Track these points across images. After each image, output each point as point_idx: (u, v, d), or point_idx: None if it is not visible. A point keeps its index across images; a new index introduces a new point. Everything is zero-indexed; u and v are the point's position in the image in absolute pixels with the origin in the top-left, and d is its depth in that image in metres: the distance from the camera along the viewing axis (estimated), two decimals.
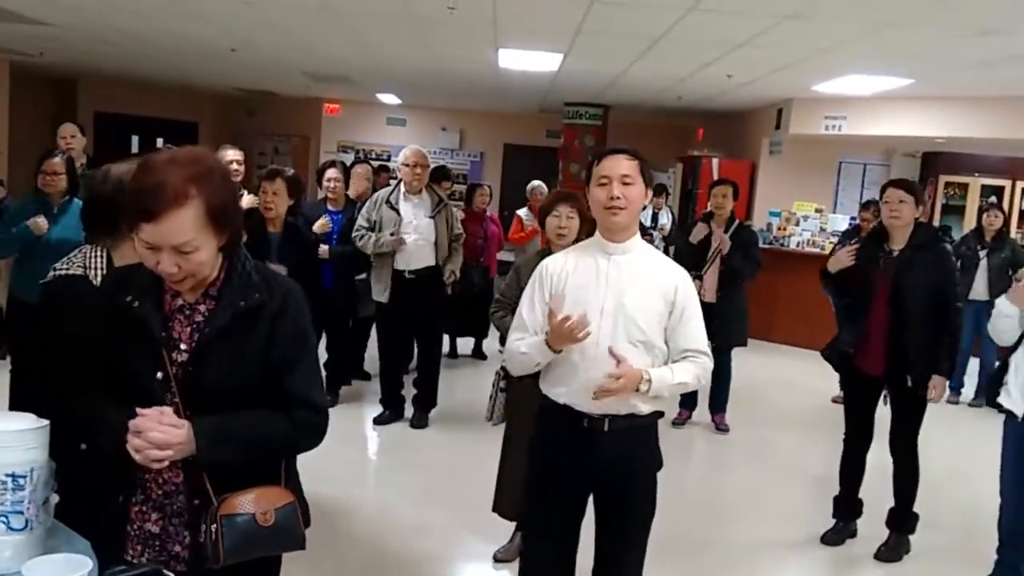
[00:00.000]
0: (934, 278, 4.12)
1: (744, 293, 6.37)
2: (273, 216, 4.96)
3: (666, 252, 6.94)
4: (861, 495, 4.54)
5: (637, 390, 2.52)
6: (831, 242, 9.54)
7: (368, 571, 4.00)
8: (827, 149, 10.91)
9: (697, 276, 6.16)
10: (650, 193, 2.74)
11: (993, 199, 9.94)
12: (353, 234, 5.80)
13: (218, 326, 1.89)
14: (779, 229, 10.49)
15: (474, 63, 9.09)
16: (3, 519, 1.74)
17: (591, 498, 2.78)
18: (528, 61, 8.57)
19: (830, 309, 6.48)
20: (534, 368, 2.69)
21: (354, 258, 6.15)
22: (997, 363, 6.67)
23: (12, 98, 11.97)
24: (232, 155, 5.54)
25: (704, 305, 6.16)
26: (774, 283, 9.33)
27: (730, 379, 6.47)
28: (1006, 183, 10.78)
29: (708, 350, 2.72)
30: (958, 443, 6.58)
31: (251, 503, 1.87)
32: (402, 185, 5.81)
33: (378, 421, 5.99)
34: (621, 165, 2.62)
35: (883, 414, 4.35)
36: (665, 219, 10.51)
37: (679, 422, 6.52)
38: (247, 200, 5.07)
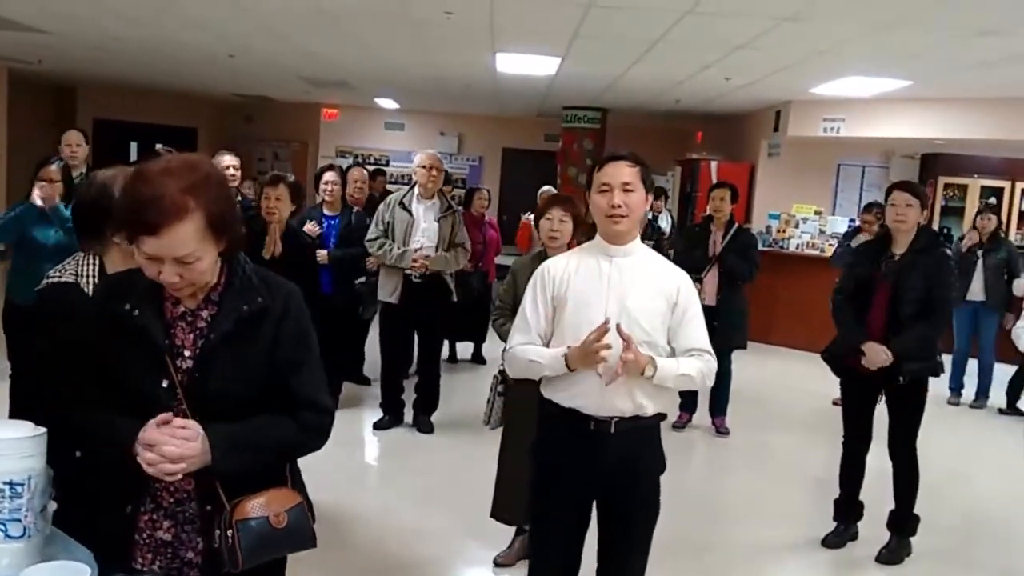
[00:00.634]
0: (932, 282, 4.11)
1: (744, 296, 6.37)
2: (276, 221, 4.94)
3: (665, 256, 6.95)
4: (862, 497, 4.53)
5: (642, 374, 2.51)
6: (830, 244, 9.55)
7: (370, 573, 3.99)
8: (826, 151, 10.91)
9: (697, 279, 6.16)
10: (650, 198, 2.74)
11: (992, 200, 9.94)
12: (368, 239, 5.80)
13: (222, 332, 1.88)
14: (778, 231, 10.49)
15: (472, 67, 9.09)
16: (1, 527, 1.74)
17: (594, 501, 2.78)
18: (526, 65, 8.57)
19: (829, 311, 6.47)
20: (539, 376, 2.67)
21: (354, 262, 6.14)
22: (1016, 368, 6.67)
23: (11, 105, 11.99)
24: (228, 161, 5.53)
25: (704, 308, 6.18)
26: (773, 285, 9.33)
27: (730, 382, 6.46)
28: (1005, 184, 10.79)
29: (711, 350, 2.72)
30: (958, 444, 6.58)
31: (263, 506, 1.88)
32: (416, 188, 5.82)
33: (378, 426, 5.98)
34: (622, 172, 2.62)
35: (883, 416, 4.34)
36: (665, 223, 10.50)
37: (679, 425, 6.51)
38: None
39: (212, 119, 15.34)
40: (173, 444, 1.75)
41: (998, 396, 7.61)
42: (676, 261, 6.24)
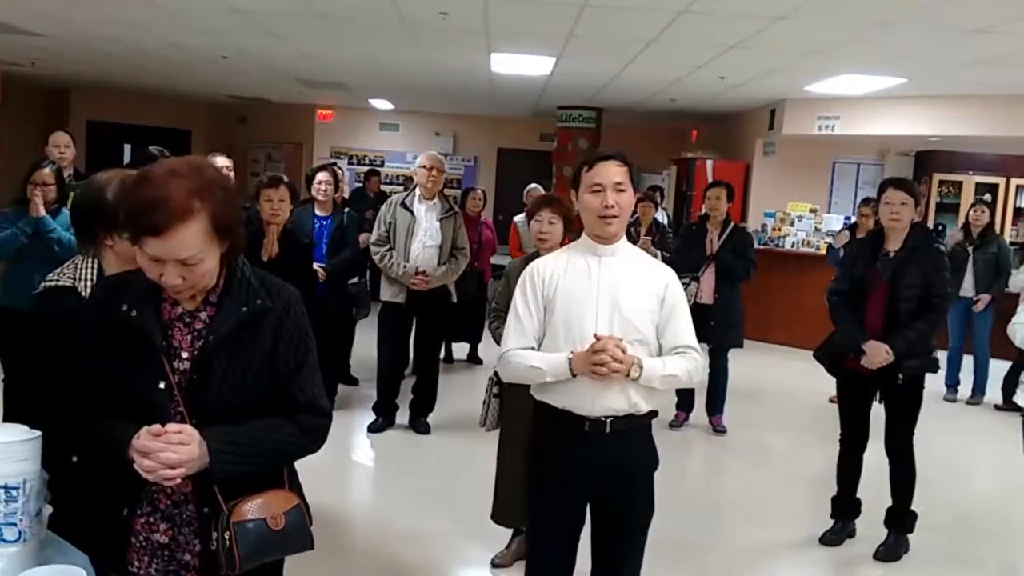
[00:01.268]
0: (927, 279, 4.12)
1: (740, 294, 6.38)
2: (279, 223, 4.93)
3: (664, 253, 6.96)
4: (859, 495, 4.53)
5: (628, 375, 2.51)
6: (826, 242, 9.55)
7: None
8: (821, 149, 10.93)
9: (694, 278, 6.18)
10: (635, 197, 2.75)
11: (987, 196, 9.96)
12: (373, 246, 5.80)
13: (221, 334, 1.87)
14: (774, 230, 10.50)
15: (467, 68, 9.09)
16: None
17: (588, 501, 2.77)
18: (521, 65, 8.57)
19: (825, 310, 6.48)
20: (538, 382, 2.66)
21: (349, 266, 6.15)
22: (1011, 364, 6.68)
23: (4, 108, 11.95)
24: (222, 163, 5.52)
25: (701, 307, 6.29)
26: (770, 284, 9.34)
27: (727, 380, 6.47)
28: (999, 180, 10.81)
29: (698, 346, 2.73)
30: (955, 441, 6.59)
31: (260, 508, 1.87)
32: (417, 188, 5.82)
33: (372, 428, 5.97)
34: (614, 172, 2.63)
35: (879, 413, 4.35)
36: (662, 219, 10.49)
37: (676, 424, 6.51)
38: None
39: (206, 121, 15.30)
40: (171, 450, 1.74)
41: (994, 392, 7.63)
42: (673, 260, 6.32)
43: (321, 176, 6.19)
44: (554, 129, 12.50)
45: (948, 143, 10.34)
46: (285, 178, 5.15)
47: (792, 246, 10.28)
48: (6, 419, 1.86)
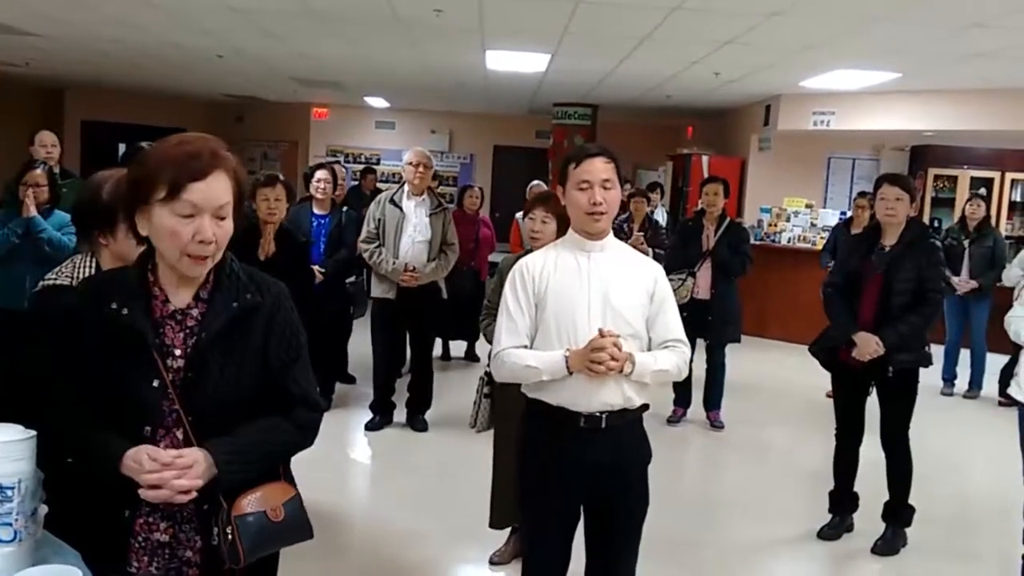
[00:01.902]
0: (921, 274, 4.12)
1: (737, 290, 6.38)
2: (276, 222, 4.92)
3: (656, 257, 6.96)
4: (857, 489, 4.54)
5: (621, 371, 2.52)
6: (822, 237, 9.56)
7: (365, 575, 3.99)
8: (816, 145, 10.94)
9: (691, 274, 6.18)
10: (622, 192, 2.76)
11: (982, 191, 9.97)
12: (362, 243, 5.80)
13: (214, 330, 1.87)
14: (770, 225, 10.50)
15: (462, 65, 9.08)
16: None
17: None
18: (516, 62, 8.57)
19: (821, 304, 6.49)
20: (534, 381, 2.65)
21: (345, 266, 6.14)
22: (1008, 357, 6.68)
23: None
24: None
25: (698, 302, 6.29)
26: (766, 279, 9.35)
27: (724, 375, 6.48)
28: (995, 175, 10.82)
29: (686, 340, 2.74)
30: (952, 435, 6.59)
31: (260, 501, 1.88)
32: (406, 185, 5.82)
33: (370, 427, 5.97)
34: (602, 169, 2.63)
35: (875, 407, 4.35)
36: (660, 217, 10.49)
37: (674, 420, 6.52)
38: None
39: (202, 120, 15.27)
40: (185, 479, 1.76)
41: (991, 387, 7.63)
42: (669, 256, 6.31)
43: (320, 175, 6.18)
44: (550, 126, 12.51)
45: (943, 138, 10.34)
46: (281, 177, 5.15)
47: (788, 241, 10.28)
48: (2, 419, 1.84)
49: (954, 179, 10.95)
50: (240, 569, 1.87)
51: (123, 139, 14.03)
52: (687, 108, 11.58)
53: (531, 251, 3.82)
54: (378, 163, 14.35)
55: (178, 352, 1.87)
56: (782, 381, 8.21)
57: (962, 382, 7.90)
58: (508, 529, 4.07)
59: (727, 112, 11.84)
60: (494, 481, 4.02)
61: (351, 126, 14.92)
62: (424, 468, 5.46)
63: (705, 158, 11.08)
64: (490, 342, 3.34)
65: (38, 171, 4.81)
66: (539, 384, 2.64)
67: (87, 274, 2.25)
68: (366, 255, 5.79)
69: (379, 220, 5.77)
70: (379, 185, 10.26)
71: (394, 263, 5.67)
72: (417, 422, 6.03)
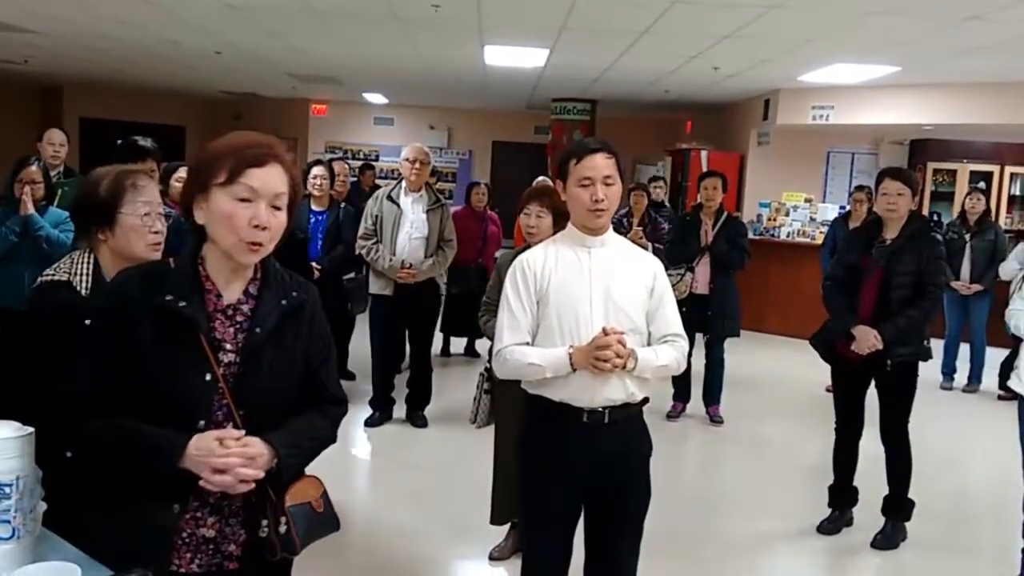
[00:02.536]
0: (922, 268, 4.12)
1: (736, 284, 6.38)
2: None
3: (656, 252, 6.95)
4: (856, 483, 4.54)
5: (624, 367, 2.53)
6: (821, 232, 9.55)
7: (363, 573, 3.99)
8: (815, 139, 10.93)
9: (689, 268, 6.18)
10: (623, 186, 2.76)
11: (981, 185, 9.96)
12: (360, 239, 5.80)
13: (269, 326, 1.91)
14: (769, 220, 10.50)
15: (460, 60, 9.07)
16: None
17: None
18: (514, 57, 8.55)
19: (821, 298, 6.48)
20: (537, 378, 2.64)
21: (343, 262, 6.14)
22: (1009, 351, 6.70)
23: None
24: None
25: (697, 297, 6.29)
26: (765, 274, 9.35)
27: (723, 370, 6.48)
28: (994, 168, 10.81)
29: (684, 333, 2.75)
30: (952, 429, 6.60)
31: (302, 494, 1.95)
32: (404, 181, 5.81)
33: (369, 423, 5.97)
34: (603, 165, 2.62)
35: (875, 401, 4.35)
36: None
37: (673, 415, 6.52)
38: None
39: (200, 117, 15.27)
40: (248, 470, 1.79)
41: (990, 380, 7.63)
42: (669, 251, 6.31)
43: (316, 171, 6.18)
44: (548, 122, 12.50)
45: (942, 131, 10.33)
46: None
47: (787, 236, 10.28)
48: (3, 416, 1.84)
49: (953, 173, 10.94)
50: (277, 561, 1.92)
51: (122, 136, 13.96)
52: (686, 103, 11.57)
53: (528, 247, 3.82)
54: (377, 159, 14.33)
55: (229, 347, 1.88)
56: (781, 376, 8.22)
57: (961, 376, 7.90)
58: (507, 525, 4.07)
59: (726, 107, 11.83)
60: (495, 477, 4.02)
61: (350, 122, 14.90)
62: (423, 464, 5.47)
63: (704, 153, 11.07)
64: (490, 338, 3.33)
65: (33, 167, 4.79)
66: (541, 380, 2.63)
67: (85, 270, 2.25)
68: (363, 251, 5.78)
69: (376, 216, 5.77)
70: (378, 181, 10.25)
71: (391, 259, 5.67)
72: (416, 418, 6.03)
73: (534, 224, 3.88)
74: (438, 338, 7.89)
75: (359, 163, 11.34)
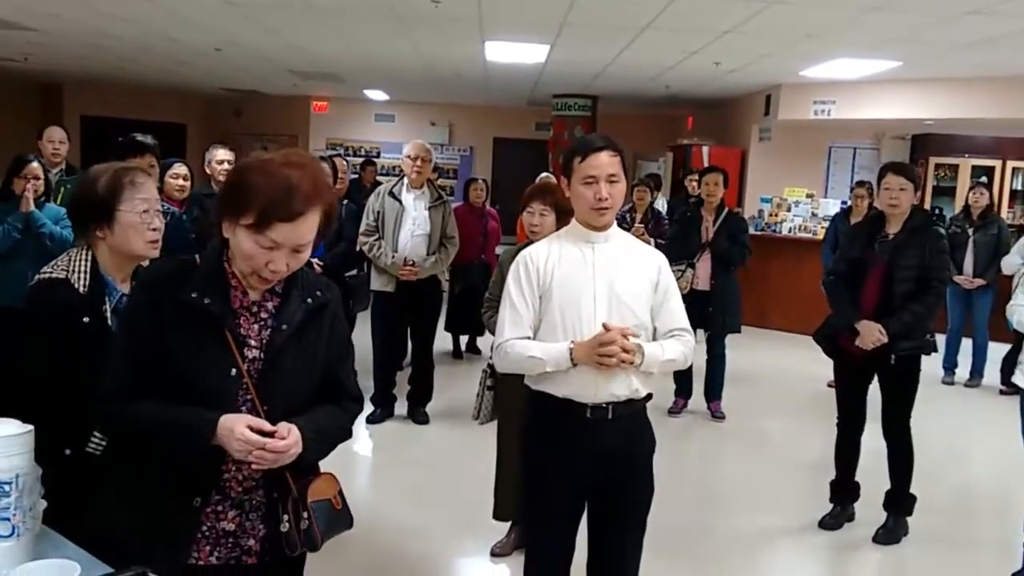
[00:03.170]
0: (925, 262, 4.11)
1: (737, 280, 6.37)
2: None
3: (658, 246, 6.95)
4: (858, 478, 4.54)
5: (631, 363, 2.52)
6: (823, 227, 9.54)
7: (365, 569, 3.98)
8: (817, 134, 10.91)
9: (690, 264, 6.17)
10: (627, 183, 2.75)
11: (984, 179, 9.95)
12: (361, 236, 5.79)
13: (295, 323, 1.93)
14: (770, 215, 10.48)
15: (461, 57, 9.06)
16: None
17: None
18: (515, 53, 8.54)
19: (823, 294, 6.48)
20: (538, 372, 2.64)
21: (344, 259, 6.13)
22: (1010, 346, 6.68)
23: None
24: (222, 155, 5.50)
25: (698, 293, 6.28)
26: (767, 269, 9.34)
27: (725, 366, 6.47)
28: (996, 163, 10.80)
29: (690, 328, 2.75)
30: (954, 424, 6.59)
31: (322, 490, 1.97)
32: (405, 178, 5.81)
33: (371, 420, 5.97)
34: (608, 163, 2.60)
35: (877, 396, 4.35)
36: (661, 206, 10.46)
37: (675, 410, 6.52)
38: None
39: (201, 114, 15.26)
40: (290, 450, 1.83)
41: (992, 375, 7.63)
42: (669, 247, 6.30)
43: None
44: (550, 118, 12.49)
45: (944, 126, 10.32)
46: None
47: (789, 231, 10.27)
48: (5, 414, 1.84)
49: (955, 167, 10.93)
50: (296, 557, 1.95)
51: (123, 134, 13.97)
52: (687, 98, 11.55)
53: (531, 243, 3.81)
54: (378, 156, 14.32)
55: (253, 343, 1.91)
56: (783, 371, 8.21)
57: (963, 371, 7.89)
58: (509, 521, 4.07)
59: (727, 102, 11.81)
60: (497, 473, 4.02)
61: (351, 119, 14.90)
62: (425, 460, 5.47)
63: (705, 148, 11.06)
64: (493, 334, 3.33)
65: (34, 164, 4.79)
66: (544, 376, 2.63)
67: (83, 268, 2.25)
68: (365, 248, 5.78)
69: (378, 213, 5.77)
70: (379, 178, 10.25)
71: (393, 256, 5.67)
72: (418, 415, 6.03)
73: (537, 223, 3.87)
74: (447, 339, 7.90)
75: (359, 160, 11.33)
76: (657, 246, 6.28)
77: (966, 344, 7.86)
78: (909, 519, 4.42)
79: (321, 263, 5.90)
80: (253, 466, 1.83)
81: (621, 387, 2.59)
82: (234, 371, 1.87)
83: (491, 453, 4.07)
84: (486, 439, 4.16)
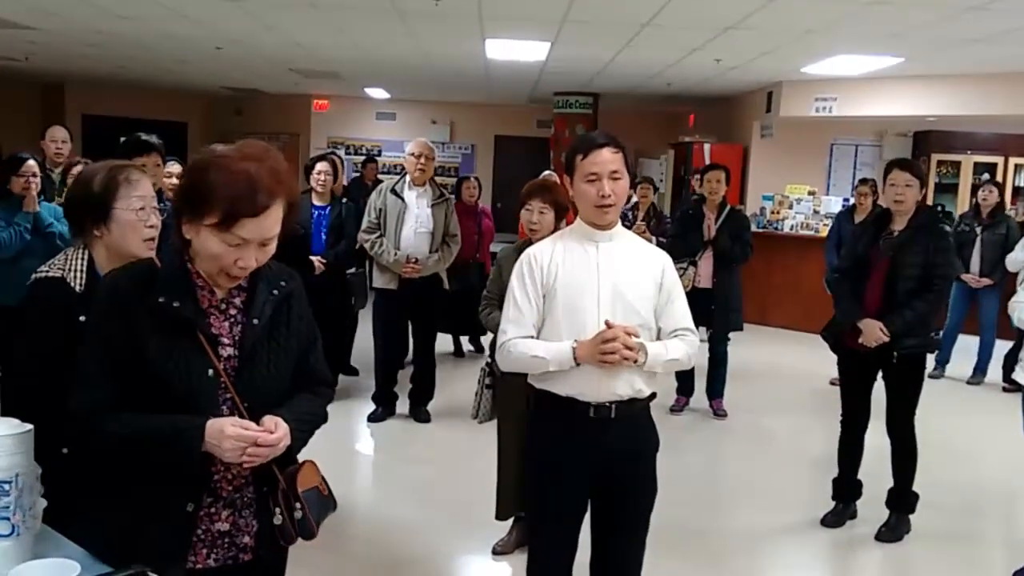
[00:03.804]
0: (929, 259, 4.10)
1: (739, 278, 6.36)
2: None
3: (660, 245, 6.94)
4: (860, 476, 4.53)
5: (635, 362, 2.51)
6: (825, 224, 9.53)
7: (367, 567, 3.98)
8: (818, 131, 10.89)
9: (692, 263, 6.16)
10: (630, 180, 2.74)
11: (987, 176, 9.93)
12: (363, 233, 5.79)
13: (265, 317, 1.93)
14: (772, 213, 10.47)
15: (462, 55, 9.05)
16: None
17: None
18: (516, 51, 8.53)
19: (825, 292, 6.46)
20: (540, 371, 2.63)
21: (345, 256, 6.13)
22: (1013, 344, 6.66)
23: None
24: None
25: (700, 291, 6.27)
26: (769, 267, 9.33)
27: (727, 364, 6.47)
28: (998, 160, 10.77)
29: (694, 327, 2.74)
30: (956, 421, 6.58)
31: (307, 479, 1.97)
32: (408, 176, 5.80)
33: (372, 418, 5.97)
34: (610, 160, 2.59)
35: (881, 394, 4.34)
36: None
37: (677, 408, 6.51)
38: None
39: (202, 113, 15.26)
40: (282, 444, 1.84)
41: (994, 373, 7.61)
42: (671, 245, 6.29)
43: (320, 167, 6.15)
44: (551, 115, 12.48)
45: (946, 123, 10.30)
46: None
47: (791, 229, 10.25)
48: (5, 413, 1.84)
49: (957, 164, 10.90)
50: (283, 548, 1.96)
51: (124, 133, 13.95)
52: (688, 96, 11.54)
53: (529, 242, 3.80)
54: (379, 154, 14.33)
55: (227, 341, 1.90)
56: (785, 369, 8.20)
57: (960, 368, 7.87)
58: (511, 519, 4.07)
59: (729, 99, 11.79)
60: (499, 472, 4.01)
61: (352, 118, 14.90)
62: (426, 459, 5.46)
63: (707, 146, 11.05)
64: (492, 331, 3.32)
65: (31, 162, 4.79)
66: (547, 375, 2.62)
67: (79, 267, 2.24)
68: (367, 245, 5.78)
69: (380, 210, 5.77)
70: (380, 176, 10.25)
71: (396, 254, 5.66)
72: (420, 413, 6.03)
73: (536, 220, 3.86)
74: (448, 337, 7.89)
75: (361, 158, 11.33)
76: (659, 244, 6.30)
77: (964, 342, 7.85)
78: (912, 517, 4.41)
79: (323, 261, 5.92)
80: (245, 465, 1.82)
81: (624, 386, 2.58)
82: (211, 371, 1.85)
83: (493, 451, 4.06)
84: (488, 437, 4.15)
